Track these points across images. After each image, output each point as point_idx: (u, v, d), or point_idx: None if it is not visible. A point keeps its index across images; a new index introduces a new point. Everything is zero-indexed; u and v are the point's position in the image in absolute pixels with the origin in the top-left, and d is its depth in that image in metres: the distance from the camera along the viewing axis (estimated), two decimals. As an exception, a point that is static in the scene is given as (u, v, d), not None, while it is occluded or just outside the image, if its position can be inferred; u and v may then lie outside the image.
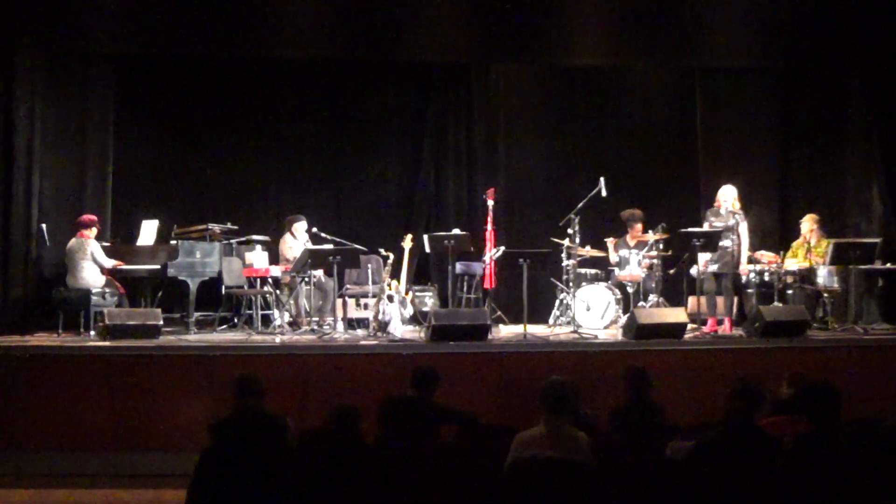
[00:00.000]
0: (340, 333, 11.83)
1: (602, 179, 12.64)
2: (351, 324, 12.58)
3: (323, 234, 12.81)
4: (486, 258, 12.84)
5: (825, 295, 12.49)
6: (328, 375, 10.31)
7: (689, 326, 11.52)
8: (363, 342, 11.33)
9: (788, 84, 14.71)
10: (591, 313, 12.67)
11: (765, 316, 11.33)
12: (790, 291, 12.69)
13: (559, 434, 6.28)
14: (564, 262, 12.90)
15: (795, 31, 13.53)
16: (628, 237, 13.27)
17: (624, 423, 7.74)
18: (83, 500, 9.34)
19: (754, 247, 12.81)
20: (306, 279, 12.42)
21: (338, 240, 12.71)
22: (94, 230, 12.14)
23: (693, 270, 12.07)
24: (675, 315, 11.52)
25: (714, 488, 5.87)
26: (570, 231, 12.51)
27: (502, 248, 12.63)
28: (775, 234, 14.31)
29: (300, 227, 13.11)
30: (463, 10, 13.39)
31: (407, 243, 12.80)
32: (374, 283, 12.80)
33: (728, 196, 12.04)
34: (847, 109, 14.07)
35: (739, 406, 6.35)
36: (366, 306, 13.03)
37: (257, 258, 12.81)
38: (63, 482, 9.61)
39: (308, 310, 12.67)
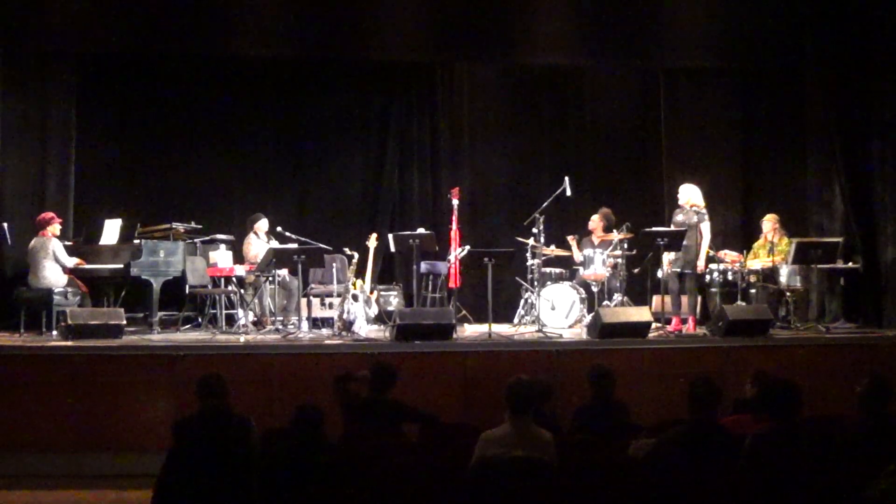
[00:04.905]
0: (305, 333, 11.82)
1: (566, 179, 12.72)
2: (315, 323, 12.60)
3: (287, 234, 12.79)
4: (451, 257, 12.85)
5: (788, 294, 12.58)
6: (292, 375, 10.30)
7: (654, 325, 11.59)
8: (328, 341, 11.33)
9: (750, 84, 14.79)
10: (556, 312, 12.68)
11: (728, 315, 11.40)
12: (753, 290, 12.77)
13: (524, 433, 6.31)
14: (529, 262, 12.92)
15: (755, 32, 13.61)
16: (593, 236, 13.32)
17: (588, 422, 7.77)
18: (45, 500, 9.29)
19: (718, 246, 12.89)
20: (270, 278, 12.40)
21: (302, 239, 12.70)
22: (56, 226, 12.06)
23: (659, 273, 12.12)
24: (640, 314, 11.59)
25: (675, 486, 5.91)
26: (534, 230, 12.54)
27: (467, 248, 12.65)
28: (738, 234, 14.39)
29: (262, 225, 13.09)
30: (427, 9, 13.39)
31: (372, 242, 12.79)
32: (338, 282, 12.79)
33: (687, 194, 12.14)
34: (807, 109, 14.18)
35: (698, 404, 6.39)
36: (330, 305, 13.02)
37: (221, 257, 12.77)
38: (25, 483, 9.54)
39: (272, 309, 12.65)
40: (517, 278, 13.22)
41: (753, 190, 14.85)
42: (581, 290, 12.82)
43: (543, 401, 7.40)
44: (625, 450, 6.74)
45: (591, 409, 7.95)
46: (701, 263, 12.09)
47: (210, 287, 12.92)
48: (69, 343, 10.80)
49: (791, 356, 10.89)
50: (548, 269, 13.15)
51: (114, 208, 13.49)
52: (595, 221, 13.39)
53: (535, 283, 12.66)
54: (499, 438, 6.31)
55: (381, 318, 12.61)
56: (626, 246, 12.51)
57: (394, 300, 13.71)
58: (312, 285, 13.24)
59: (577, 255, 13.18)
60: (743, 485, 5.93)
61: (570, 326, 12.59)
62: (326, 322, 12.97)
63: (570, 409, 8.24)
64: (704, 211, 12.06)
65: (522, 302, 13.03)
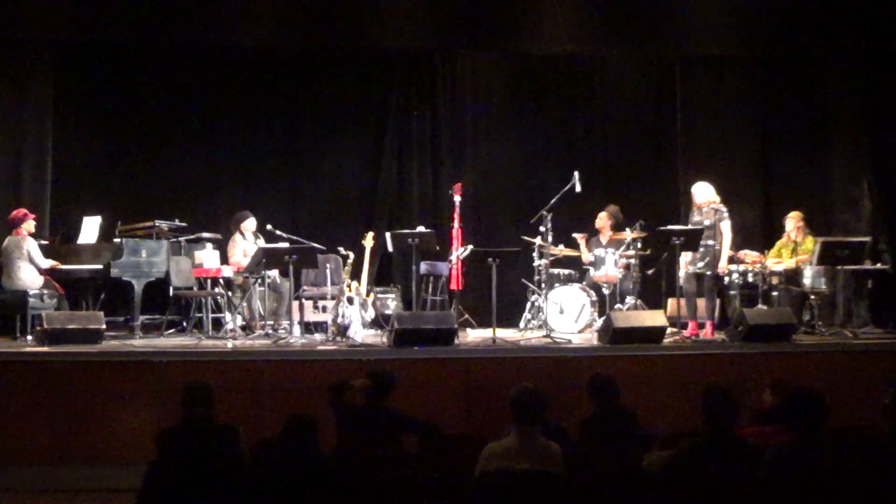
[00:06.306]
0: (297, 338, 11.80)
1: (576, 174, 12.72)
2: (308, 328, 12.59)
3: (278, 232, 12.78)
4: (453, 258, 12.88)
5: (812, 297, 12.56)
6: (283, 383, 10.28)
7: (669, 330, 11.57)
8: (321, 347, 11.33)
9: (771, 73, 14.79)
10: (565, 316, 12.70)
11: (748, 319, 11.38)
12: (775, 293, 12.74)
13: (531, 445, 6.31)
14: (536, 262, 12.92)
15: (777, 18, 13.62)
16: (601, 236, 13.33)
17: (595, 433, 7.77)
18: (21, 516, 9.31)
19: (737, 246, 12.88)
20: (260, 280, 12.39)
21: (294, 238, 12.69)
22: (31, 223, 12.05)
23: (681, 274, 12.10)
24: (654, 318, 11.56)
25: (692, 501, 5.91)
26: (541, 229, 12.55)
27: (470, 247, 12.65)
28: (759, 233, 14.37)
29: (248, 224, 13.09)
30: (427, -6, 13.44)
31: (368, 242, 12.77)
32: (332, 284, 12.79)
33: (703, 193, 12.13)
34: (832, 100, 14.18)
35: (712, 415, 6.39)
36: (324, 309, 13.02)
37: (207, 257, 12.78)
38: (-1, 498, 9.56)
39: (262, 313, 12.64)
40: (523, 280, 13.23)
41: (775, 186, 14.85)
42: (591, 292, 12.82)
43: (543, 410, 7.40)
44: (637, 462, 6.74)
45: (597, 421, 7.94)
46: (723, 265, 12.09)
47: (195, 289, 12.92)
48: (45, 349, 10.78)
49: (815, 363, 10.87)
50: (556, 271, 13.16)
51: (93, 205, 13.46)
52: (602, 220, 13.40)
53: (543, 285, 12.66)
54: (503, 450, 6.31)
55: (378, 322, 12.62)
56: (639, 245, 12.52)
57: (391, 303, 13.72)
58: (305, 287, 13.24)
59: (586, 255, 13.18)
60: (763, 500, 5.93)
61: (580, 331, 12.60)
62: (319, 326, 12.96)
63: (578, 419, 8.23)
64: (724, 208, 12.04)
65: (529, 305, 13.04)
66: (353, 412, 8.02)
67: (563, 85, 15.58)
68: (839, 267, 12.35)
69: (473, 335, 12.57)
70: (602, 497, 6.16)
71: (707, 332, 12.02)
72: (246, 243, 12.97)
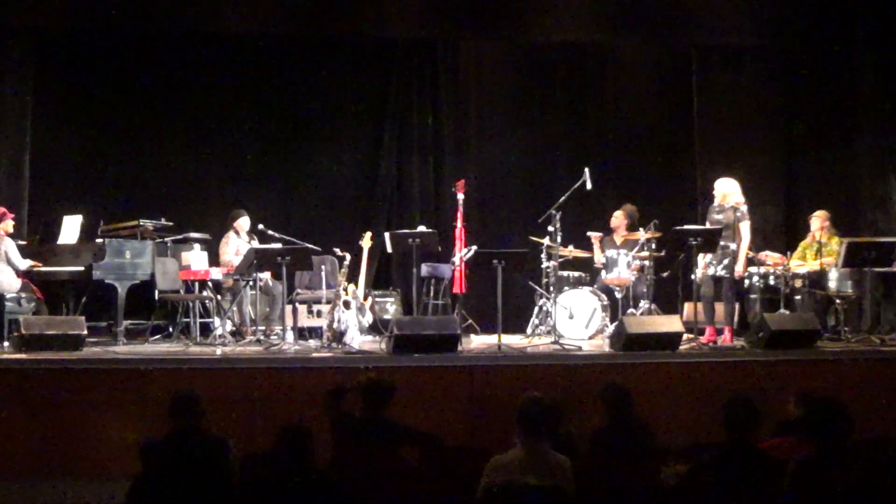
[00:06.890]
0: (290, 344, 11.78)
1: (587, 170, 12.69)
2: (302, 333, 12.59)
3: (270, 232, 12.78)
4: (456, 259, 12.84)
5: (837, 301, 12.54)
6: (276, 392, 10.26)
7: (685, 336, 11.54)
8: (316, 354, 11.30)
9: (794, 65, 14.78)
10: (575, 321, 12.68)
11: (770, 324, 11.35)
12: (798, 297, 12.74)
13: (539, 458, 6.28)
14: (544, 264, 12.91)
15: (800, 7, 13.61)
16: (615, 235, 13.31)
17: (606, 446, 7.76)
18: (-4, 534, 9.28)
19: (758, 247, 12.86)
20: (251, 283, 12.38)
21: (287, 238, 12.69)
22: (9, 223, 12.03)
23: (696, 275, 12.06)
24: (669, 324, 11.53)
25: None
26: (550, 229, 12.53)
27: (474, 248, 12.61)
28: (781, 233, 14.38)
29: (243, 223, 13.08)
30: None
31: (366, 242, 12.76)
32: (328, 287, 12.79)
33: (725, 189, 12.08)
34: (858, 93, 14.15)
35: (735, 426, 6.37)
36: (319, 314, 13.03)
37: (195, 259, 12.76)
38: (-27, 514, 9.53)
39: (253, 318, 12.63)
40: (530, 283, 13.23)
41: (798, 183, 14.85)
42: (603, 296, 12.81)
43: (557, 422, 7.38)
44: (651, 476, 6.73)
45: (610, 434, 7.93)
46: (740, 267, 12.02)
47: (182, 292, 12.91)
48: (22, 356, 10.76)
49: (841, 371, 10.83)
50: (565, 273, 13.16)
51: (74, 203, 13.45)
52: (618, 218, 13.39)
53: (551, 289, 12.65)
54: (509, 464, 6.29)
55: (377, 327, 12.62)
56: (653, 246, 12.49)
57: (391, 307, 13.73)
58: (298, 290, 13.24)
59: (599, 256, 13.15)
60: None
61: (591, 337, 12.58)
62: (314, 332, 12.97)
63: (588, 430, 8.22)
64: (744, 209, 11.98)
65: (536, 310, 13.04)
66: (349, 423, 8.00)
67: (573, 76, 15.60)
68: (866, 269, 12.32)
69: (477, 341, 12.57)
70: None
71: (725, 339, 11.98)
72: (240, 242, 12.97)
